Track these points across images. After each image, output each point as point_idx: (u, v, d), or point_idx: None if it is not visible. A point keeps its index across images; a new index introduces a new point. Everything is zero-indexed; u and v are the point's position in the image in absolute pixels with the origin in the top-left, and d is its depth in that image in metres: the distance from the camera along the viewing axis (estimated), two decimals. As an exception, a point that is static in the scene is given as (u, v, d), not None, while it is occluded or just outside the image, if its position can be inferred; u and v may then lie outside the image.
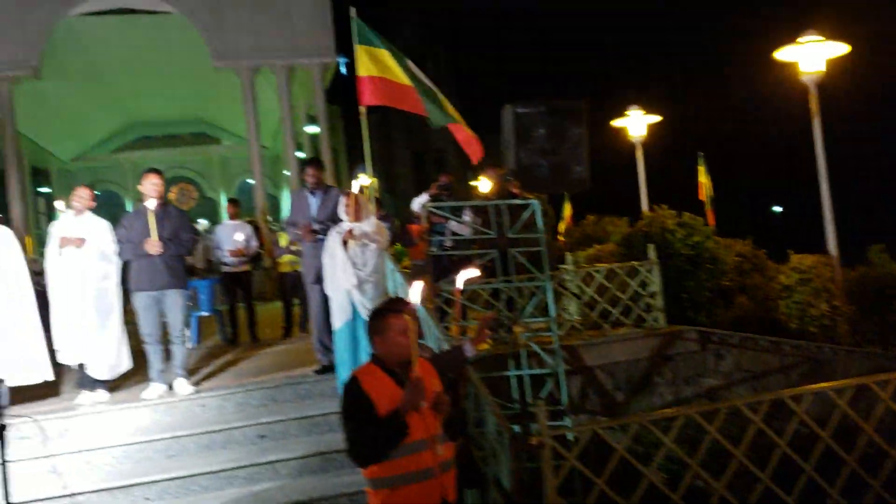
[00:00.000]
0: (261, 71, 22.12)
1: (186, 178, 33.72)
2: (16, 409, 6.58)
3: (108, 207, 31.80)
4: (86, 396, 6.70)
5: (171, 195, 33.19)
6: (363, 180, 23.19)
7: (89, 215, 6.86)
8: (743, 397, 7.60)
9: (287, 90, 22.30)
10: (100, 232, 6.79)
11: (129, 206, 32.92)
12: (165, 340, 6.89)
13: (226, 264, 10.10)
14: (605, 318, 8.84)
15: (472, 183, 24.97)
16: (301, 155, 25.26)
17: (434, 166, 35.87)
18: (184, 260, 6.93)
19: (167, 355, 6.91)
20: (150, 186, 6.76)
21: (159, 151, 32.28)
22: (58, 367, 6.80)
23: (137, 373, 7.16)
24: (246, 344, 9.99)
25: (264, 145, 25.37)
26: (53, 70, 21.53)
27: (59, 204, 7.18)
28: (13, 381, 6.41)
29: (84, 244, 6.62)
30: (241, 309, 10.39)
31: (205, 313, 10.32)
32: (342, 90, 26.87)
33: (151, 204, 6.74)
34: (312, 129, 25.71)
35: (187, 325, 7.74)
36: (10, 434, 5.96)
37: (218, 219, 33.19)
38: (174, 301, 6.73)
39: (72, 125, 28.27)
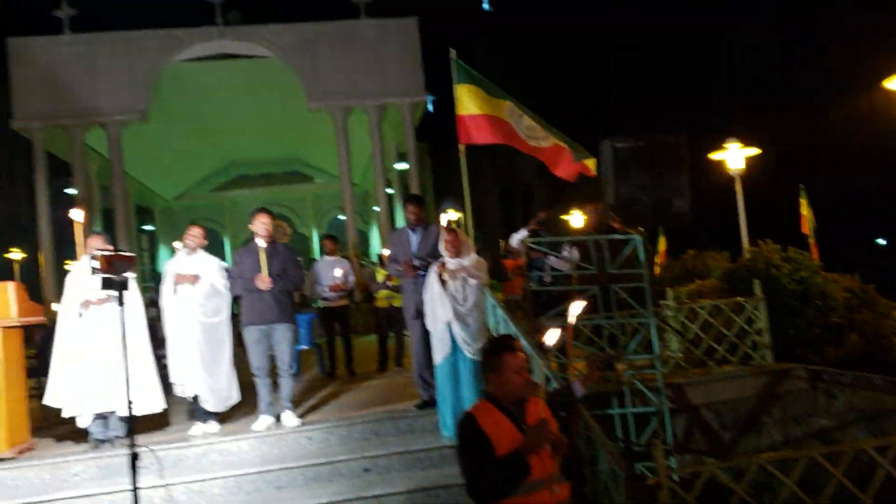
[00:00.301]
0: (353, 111, 22.74)
1: (280, 214, 34.74)
2: (143, 440, 6.87)
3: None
4: (198, 428, 6.92)
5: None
6: (451, 215, 23.53)
7: (202, 253, 7.15)
8: (859, 439, 7.26)
9: (378, 129, 22.84)
10: (212, 269, 7.05)
11: (226, 243, 34.13)
12: (273, 373, 7.07)
13: (325, 299, 10.32)
14: (709, 356, 8.61)
15: (564, 217, 24.88)
16: (390, 192, 25.76)
17: (521, 201, 35.91)
18: (291, 295, 7.12)
19: (275, 388, 7.08)
20: (260, 225, 7.00)
21: (255, 190, 33.42)
22: (168, 398, 7.06)
23: (245, 404, 7.36)
24: (343, 377, 10.15)
25: (354, 182, 25.97)
26: (158, 113, 22.66)
27: (176, 244, 7.49)
28: (127, 411, 6.70)
29: (198, 281, 6.89)
30: (338, 342, 10.58)
31: (304, 346, 10.56)
32: (430, 127, 27.38)
33: (261, 242, 6.96)
34: (401, 166, 26.19)
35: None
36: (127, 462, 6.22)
37: (310, 254, 34.07)
38: (282, 335, 6.90)
39: (174, 165, 29.60)
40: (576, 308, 4.05)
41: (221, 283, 7.03)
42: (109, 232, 25.62)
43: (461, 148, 8.11)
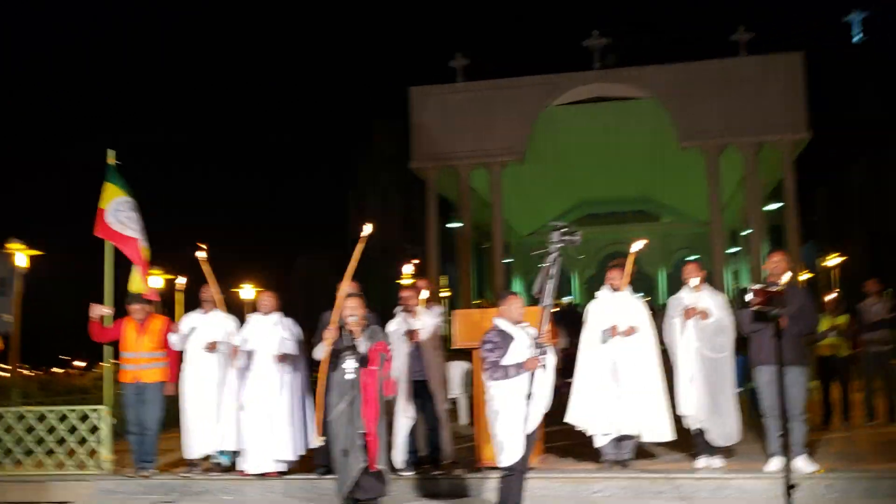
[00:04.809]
0: (726, 149, 22.24)
1: (623, 253, 34.85)
2: (648, 465, 7.24)
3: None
4: (703, 461, 7.07)
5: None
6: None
7: (706, 288, 7.32)
8: None
9: (753, 167, 22.10)
10: (720, 305, 7.19)
11: (574, 279, 35.13)
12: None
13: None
14: None
15: None
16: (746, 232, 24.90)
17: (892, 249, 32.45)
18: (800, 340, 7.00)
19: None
20: (771, 265, 7.00)
21: (602, 228, 33.94)
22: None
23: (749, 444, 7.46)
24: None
25: (706, 222, 25.37)
26: (530, 154, 23.91)
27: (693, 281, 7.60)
28: (644, 437, 7.06)
29: (708, 317, 7.04)
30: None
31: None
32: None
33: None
34: (770, 207, 25.10)
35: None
36: (644, 486, 6.53)
37: (655, 295, 33.78)
38: (795, 378, 6.75)
39: (532, 203, 31.00)
40: None
41: (729, 319, 7.12)
42: (480, 262, 27.67)
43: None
